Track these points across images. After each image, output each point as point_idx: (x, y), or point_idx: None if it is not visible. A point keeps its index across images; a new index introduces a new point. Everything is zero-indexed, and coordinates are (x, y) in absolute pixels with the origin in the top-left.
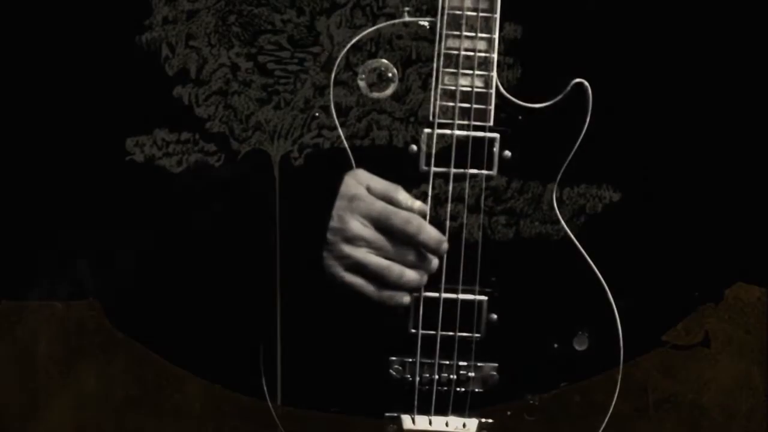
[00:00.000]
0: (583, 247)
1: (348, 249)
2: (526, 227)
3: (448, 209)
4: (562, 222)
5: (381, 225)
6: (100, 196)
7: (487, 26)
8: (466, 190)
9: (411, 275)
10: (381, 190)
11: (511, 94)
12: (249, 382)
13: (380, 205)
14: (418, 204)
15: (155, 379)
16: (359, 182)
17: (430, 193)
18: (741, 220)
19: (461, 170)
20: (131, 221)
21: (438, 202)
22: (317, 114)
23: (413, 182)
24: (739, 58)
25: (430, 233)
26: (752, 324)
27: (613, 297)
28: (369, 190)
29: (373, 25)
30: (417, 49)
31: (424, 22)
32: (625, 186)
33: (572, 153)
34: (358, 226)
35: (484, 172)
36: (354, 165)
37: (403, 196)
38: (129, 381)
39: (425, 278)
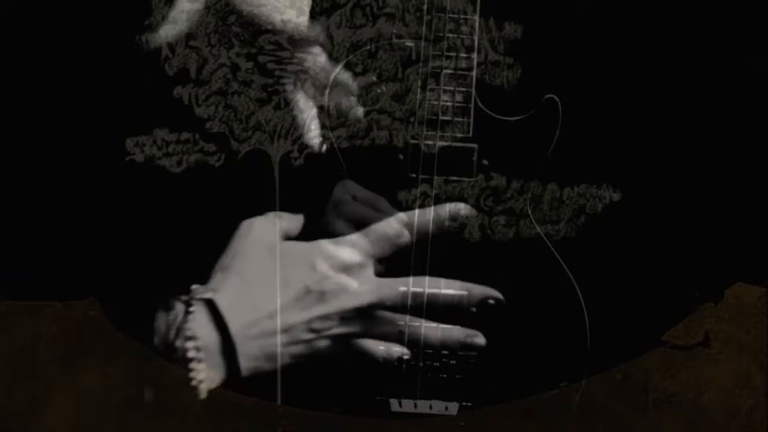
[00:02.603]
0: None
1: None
2: (526, 227)
3: (431, 211)
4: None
5: (363, 228)
6: (100, 196)
7: (469, 46)
8: (447, 194)
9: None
10: (365, 199)
11: (512, 94)
12: (249, 382)
13: (364, 211)
14: (397, 211)
15: (155, 379)
16: (347, 191)
17: (417, 197)
18: (741, 220)
19: (443, 177)
20: (131, 221)
21: (431, 203)
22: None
23: (403, 186)
24: (740, 58)
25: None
26: (752, 324)
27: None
28: (355, 198)
29: (373, 25)
30: (416, 49)
31: (410, 43)
32: (625, 186)
33: (545, 160)
34: (343, 228)
35: (465, 178)
36: (345, 169)
37: (384, 204)
38: (129, 381)
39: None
